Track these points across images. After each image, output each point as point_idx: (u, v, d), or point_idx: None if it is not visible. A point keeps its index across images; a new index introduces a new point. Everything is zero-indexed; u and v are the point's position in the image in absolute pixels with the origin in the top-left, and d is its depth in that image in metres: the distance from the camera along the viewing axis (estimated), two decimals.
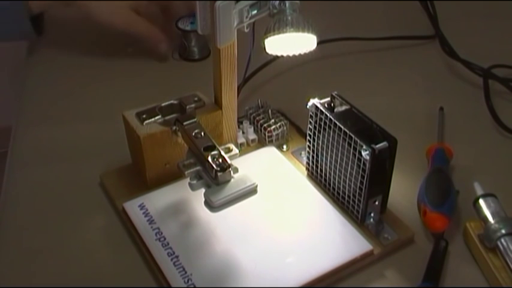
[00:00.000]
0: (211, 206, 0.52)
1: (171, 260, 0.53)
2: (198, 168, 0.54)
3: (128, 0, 0.78)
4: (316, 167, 0.60)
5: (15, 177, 0.64)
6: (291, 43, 0.56)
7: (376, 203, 0.56)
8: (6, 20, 0.75)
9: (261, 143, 0.66)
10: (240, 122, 0.66)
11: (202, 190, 0.53)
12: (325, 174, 0.59)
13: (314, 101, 0.57)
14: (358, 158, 0.53)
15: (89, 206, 0.60)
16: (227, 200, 0.53)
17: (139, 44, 0.80)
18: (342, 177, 0.56)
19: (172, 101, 0.60)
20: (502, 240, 0.52)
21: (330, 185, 0.59)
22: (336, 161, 0.56)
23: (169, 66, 0.82)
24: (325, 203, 0.58)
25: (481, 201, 0.55)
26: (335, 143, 0.56)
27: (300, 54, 0.57)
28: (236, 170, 0.54)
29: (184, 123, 0.57)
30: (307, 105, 0.58)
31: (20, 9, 0.75)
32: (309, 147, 0.60)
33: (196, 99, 0.61)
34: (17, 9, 0.74)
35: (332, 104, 0.58)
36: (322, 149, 0.58)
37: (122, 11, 0.78)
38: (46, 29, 0.84)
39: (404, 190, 0.60)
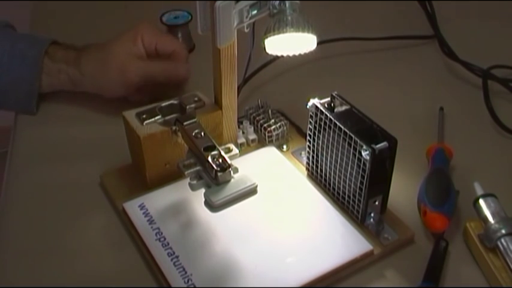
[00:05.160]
0: (211, 206, 0.52)
1: (171, 260, 0.52)
2: (198, 168, 0.54)
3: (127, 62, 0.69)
4: (316, 167, 0.60)
5: (15, 177, 0.64)
6: (291, 43, 0.56)
7: (376, 203, 0.56)
8: (14, 93, 0.72)
9: (261, 143, 0.66)
10: (240, 122, 0.66)
11: (202, 190, 0.53)
12: (325, 174, 0.59)
13: (314, 101, 0.57)
14: (358, 158, 0.53)
15: (89, 206, 0.60)
16: (227, 200, 0.52)
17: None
18: (342, 177, 0.56)
19: (172, 101, 0.60)
20: (502, 240, 0.52)
21: (330, 185, 0.59)
22: (336, 161, 0.56)
23: None
24: (325, 203, 0.58)
25: (481, 201, 0.55)
26: (335, 143, 0.56)
27: (300, 54, 0.57)
28: (236, 170, 0.54)
29: (184, 123, 0.57)
30: (307, 105, 0.58)
31: (31, 85, 0.71)
32: (309, 147, 0.60)
33: (196, 99, 0.61)
34: (29, 84, 0.71)
35: (332, 104, 0.58)
36: (322, 149, 0.58)
37: (129, 72, 0.68)
38: (47, 28, 0.84)
39: (404, 190, 0.60)
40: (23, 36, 0.74)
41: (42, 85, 0.71)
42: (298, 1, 0.55)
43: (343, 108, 0.57)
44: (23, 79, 0.71)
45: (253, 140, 0.66)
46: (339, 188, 0.58)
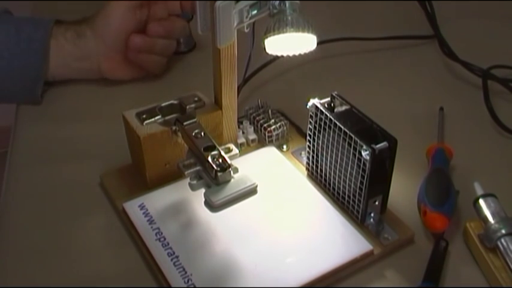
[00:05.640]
0: (211, 206, 0.52)
1: (171, 260, 0.52)
2: (198, 168, 0.54)
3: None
4: (316, 167, 0.60)
5: (15, 177, 0.64)
6: (291, 43, 0.56)
7: (376, 203, 0.56)
8: (18, 82, 0.73)
9: (261, 143, 0.66)
10: (240, 122, 0.66)
11: (202, 190, 0.53)
12: (325, 174, 0.59)
13: (314, 101, 0.57)
14: (358, 158, 0.53)
15: (89, 206, 0.60)
16: (227, 200, 0.53)
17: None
18: (342, 177, 0.56)
19: (172, 101, 0.60)
20: (502, 240, 0.52)
21: (330, 185, 0.59)
22: (336, 161, 0.56)
23: (171, 63, 0.82)
24: (325, 203, 0.58)
25: (481, 201, 0.55)
26: (335, 143, 0.56)
27: (300, 54, 0.57)
28: (236, 170, 0.54)
29: (184, 123, 0.57)
30: (307, 105, 0.58)
31: (37, 73, 0.72)
32: (309, 147, 0.60)
33: (196, 99, 0.61)
34: (36, 67, 0.72)
35: (332, 104, 0.58)
36: (322, 149, 0.58)
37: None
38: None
39: (404, 190, 0.60)
40: (26, 20, 0.75)
41: (49, 53, 0.72)
42: (298, 1, 0.55)
43: (343, 108, 0.57)
44: (30, 63, 0.71)
45: (253, 140, 0.66)
46: (339, 188, 0.58)
